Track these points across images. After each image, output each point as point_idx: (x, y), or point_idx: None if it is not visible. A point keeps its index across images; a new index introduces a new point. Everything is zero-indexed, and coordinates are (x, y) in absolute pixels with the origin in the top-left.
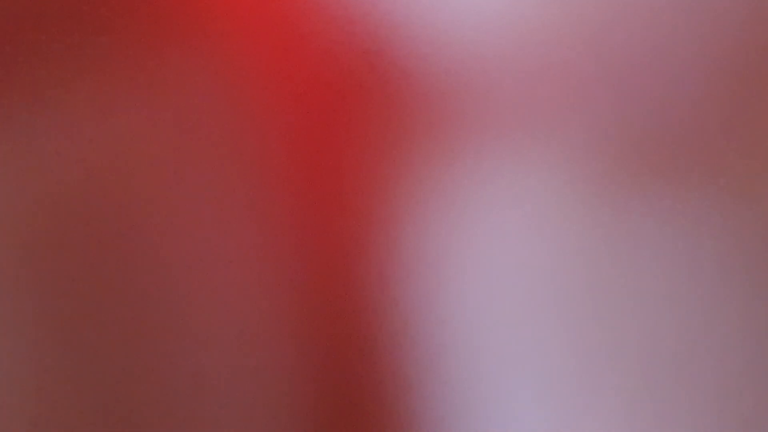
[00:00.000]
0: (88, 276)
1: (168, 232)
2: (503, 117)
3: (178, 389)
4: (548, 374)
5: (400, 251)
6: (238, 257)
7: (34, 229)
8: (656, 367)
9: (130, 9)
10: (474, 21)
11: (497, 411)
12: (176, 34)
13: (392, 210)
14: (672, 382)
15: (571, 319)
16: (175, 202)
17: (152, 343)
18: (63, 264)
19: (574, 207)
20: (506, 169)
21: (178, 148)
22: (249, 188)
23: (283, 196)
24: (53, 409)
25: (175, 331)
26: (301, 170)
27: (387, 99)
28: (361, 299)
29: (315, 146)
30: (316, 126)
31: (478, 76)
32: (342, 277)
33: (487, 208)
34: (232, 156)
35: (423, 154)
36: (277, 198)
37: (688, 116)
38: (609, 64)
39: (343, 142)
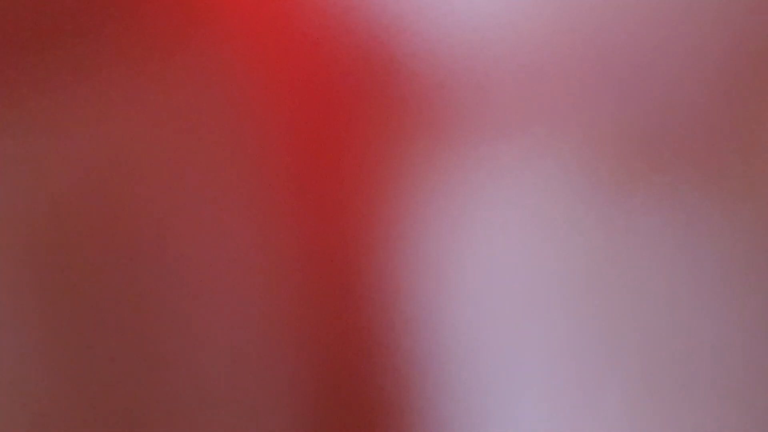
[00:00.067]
0: (88, 276)
1: (168, 232)
2: (504, 116)
3: (178, 389)
4: (549, 373)
5: (400, 251)
6: (238, 257)
7: (34, 229)
8: (657, 366)
9: (131, 9)
10: (474, 21)
11: (498, 411)
12: (176, 34)
13: (393, 209)
14: (673, 381)
15: (571, 318)
16: (175, 201)
17: (152, 342)
18: (63, 264)
19: (574, 206)
20: (507, 168)
21: (179, 148)
22: (249, 188)
23: (284, 196)
24: (54, 409)
25: (176, 330)
26: (301, 170)
27: (387, 99)
28: (361, 299)
29: (315, 146)
30: (317, 126)
31: (478, 76)
32: (342, 276)
33: (487, 208)
34: (232, 156)
35: (423, 153)
36: (277, 198)
37: (689, 116)
38: (609, 64)
39: (344, 141)
